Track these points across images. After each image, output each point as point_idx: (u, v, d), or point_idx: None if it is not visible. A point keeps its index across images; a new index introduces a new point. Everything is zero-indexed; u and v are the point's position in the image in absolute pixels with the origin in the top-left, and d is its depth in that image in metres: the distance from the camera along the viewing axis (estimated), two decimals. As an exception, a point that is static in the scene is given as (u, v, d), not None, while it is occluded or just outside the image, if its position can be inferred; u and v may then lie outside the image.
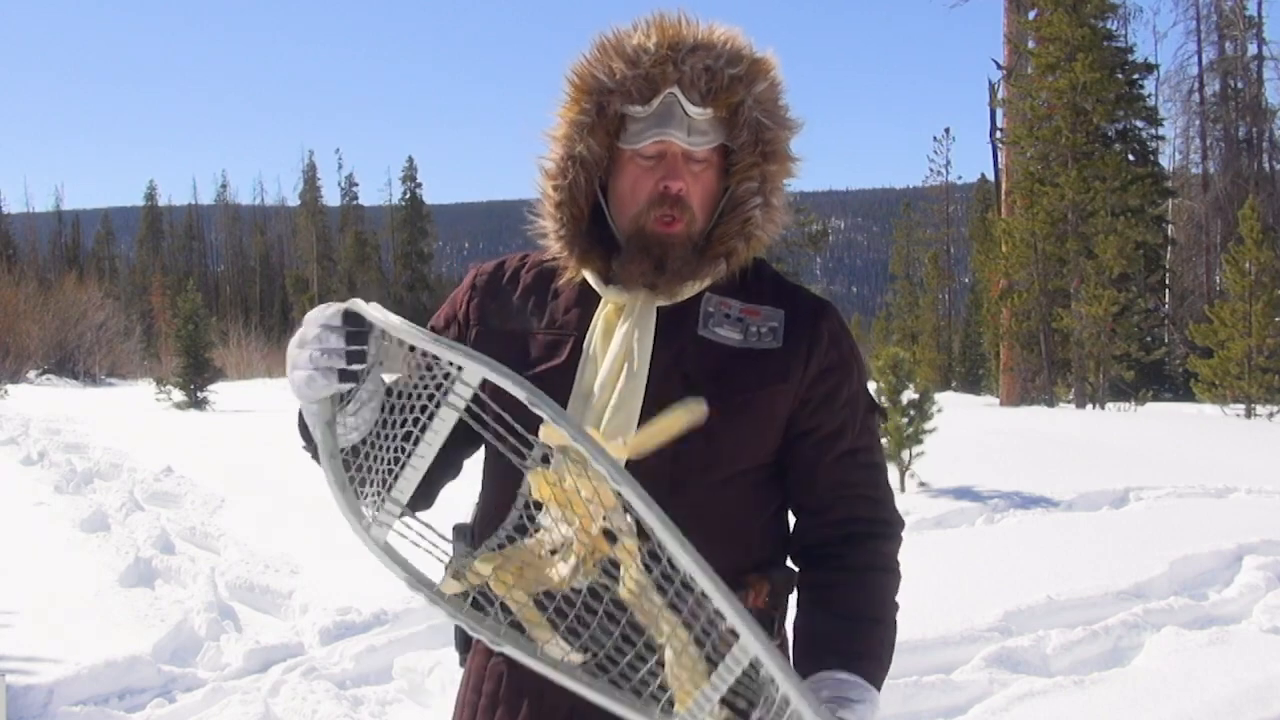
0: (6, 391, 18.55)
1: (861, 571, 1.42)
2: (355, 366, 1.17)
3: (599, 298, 1.43)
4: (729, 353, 1.40)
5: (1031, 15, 20.55)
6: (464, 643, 1.54)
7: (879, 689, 1.35)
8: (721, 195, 1.43)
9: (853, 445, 1.44)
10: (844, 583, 1.41)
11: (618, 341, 1.38)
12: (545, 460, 1.15)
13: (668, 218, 1.38)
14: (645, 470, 1.34)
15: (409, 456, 1.13)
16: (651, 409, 1.35)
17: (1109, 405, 17.51)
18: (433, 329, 1.53)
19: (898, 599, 1.44)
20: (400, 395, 1.15)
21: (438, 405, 1.10)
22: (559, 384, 1.39)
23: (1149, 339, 20.14)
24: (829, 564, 1.42)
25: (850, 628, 1.37)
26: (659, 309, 1.41)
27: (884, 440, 1.53)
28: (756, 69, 1.39)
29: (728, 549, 1.32)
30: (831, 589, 1.41)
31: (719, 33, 1.39)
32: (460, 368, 1.08)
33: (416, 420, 1.12)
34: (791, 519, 1.51)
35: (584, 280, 1.46)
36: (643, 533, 1.13)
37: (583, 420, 1.36)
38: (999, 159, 22.29)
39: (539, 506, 1.18)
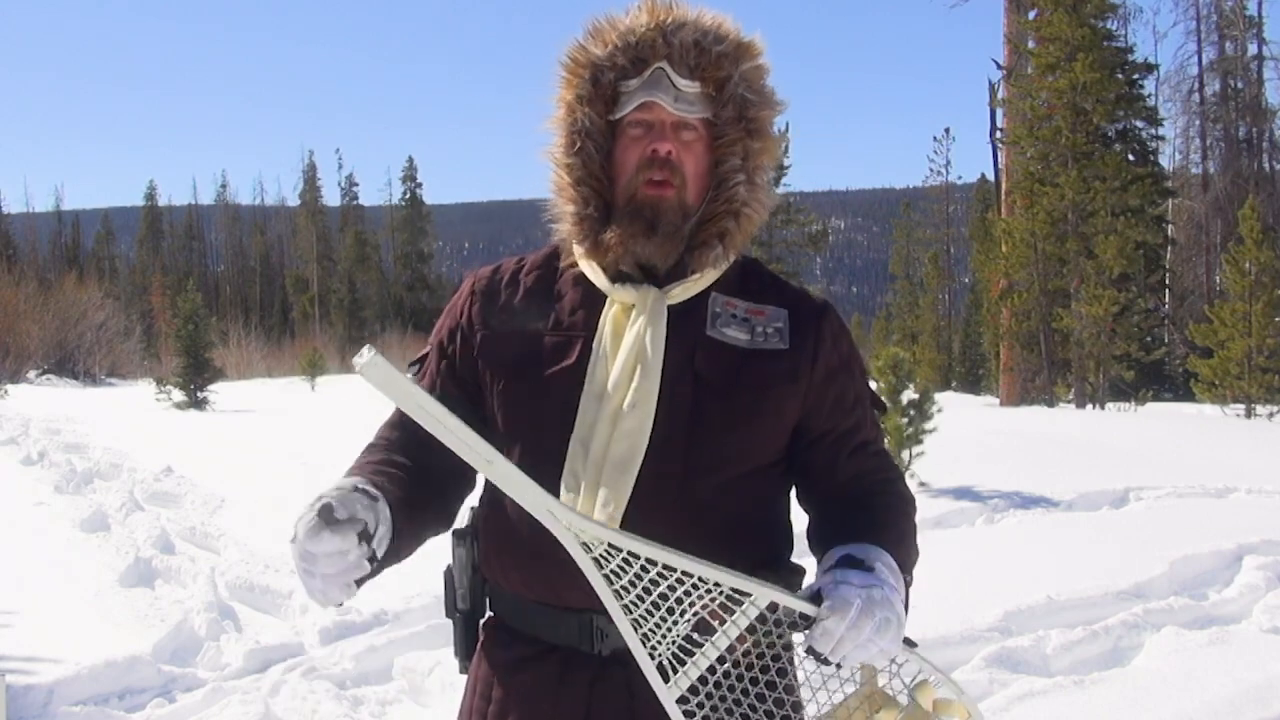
0: (6, 391, 18.54)
1: (877, 495, 1.44)
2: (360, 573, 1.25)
3: (604, 299, 1.44)
4: (738, 353, 1.42)
5: (1031, 15, 20.56)
6: (465, 649, 1.53)
7: (900, 566, 1.30)
8: (711, 175, 1.45)
9: (864, 438, 1.48)
10: (859, 500, 1.43)
11: (630, 341, 1.39)
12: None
13: (658, 179, 1.41)
14: (659, 471, 1.35)
15: None
16: (664, 408, 1.36)
17: (1109, 405, 17.52)
18: (440, 342, 1.54)
19: (915, 527, 1.44)
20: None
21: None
22: (570, 384, 1.39)
23: (1149, 339, 20.13)
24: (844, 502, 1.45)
25: (867, 518, 1.38)
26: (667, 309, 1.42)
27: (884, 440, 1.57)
28: (743, 49, 1.44)
29: (736, 546, 1.33)
30: (846, 507, 1.42)
31: (708, 15, 1.44)
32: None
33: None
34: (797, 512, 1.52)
35: (586, 281, 1.46)
36: None
37: (597, 419, 1.36)
38: (999, 159, 22.30)
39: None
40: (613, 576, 1.16)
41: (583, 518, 1.12)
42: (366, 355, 1.01)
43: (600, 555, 1.15)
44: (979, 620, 4.29)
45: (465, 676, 1.54)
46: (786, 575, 1.42)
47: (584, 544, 1.15)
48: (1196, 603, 4.81)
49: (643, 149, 1.41)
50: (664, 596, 1.16)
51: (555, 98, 1.47)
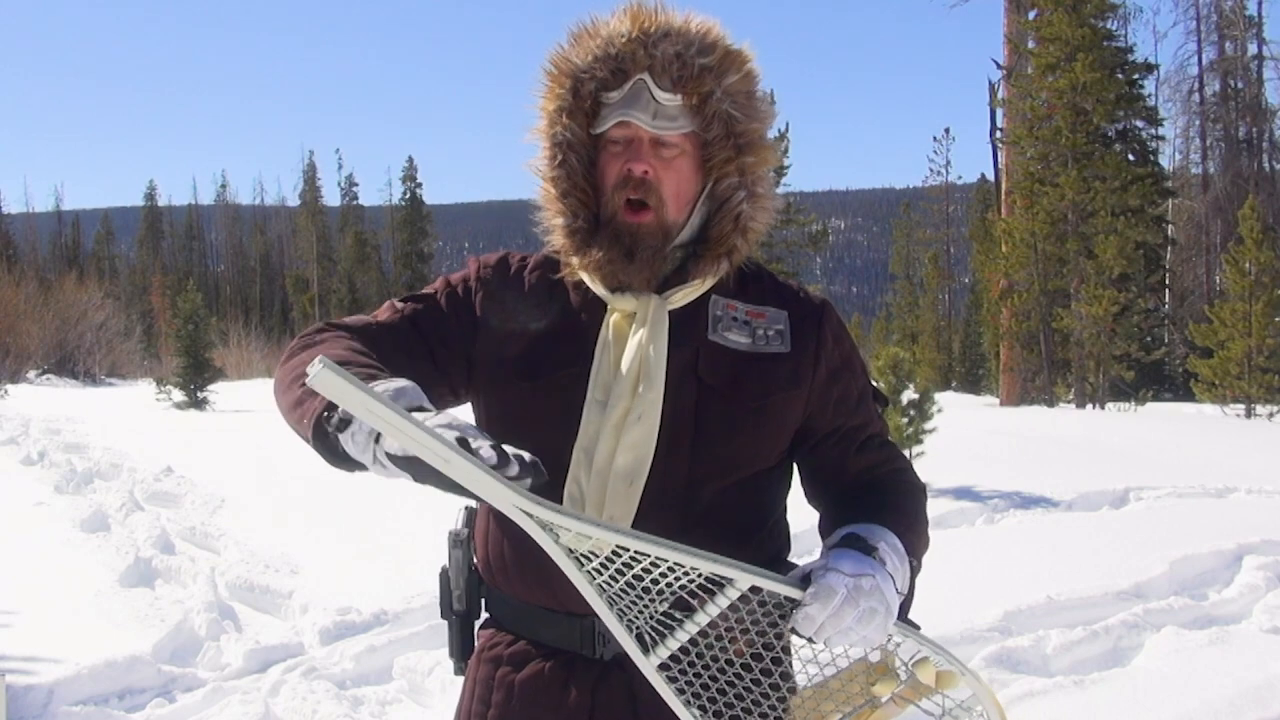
0: (6, 391, 18.54)
1: (888, 482, 1.45)
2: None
3: (605, 304, 1.42)
4: (740, 357, 1.40)
5: (1031, 15, 20.56)
6: (461, 651, 1.52)
7: (907, 550, 1.30)
8: (700, 189, 1.42)
9: (871, 433, 1.48)
10: (869, 486, 1.43)
11: (632, 350, 1.37)
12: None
13: (635, 204, 1.38)
14: (664, 475, 1.34)
15: None
16: (668, 414, 1.35)
17: (1109, 405, 17.51)
18: (450, 292, 1.48)
19: (926, 515, 1.46)
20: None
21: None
22: (572, 389, 1.38)
23: (1149, 339, 20.13)
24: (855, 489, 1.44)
25: (877, 501, 1.38)
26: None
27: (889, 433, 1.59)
28: (729, 60, 1.39)
29: (739, 548, 1.33)
30: (857, 493, 1.42)
31: (695, 22, 1.39)
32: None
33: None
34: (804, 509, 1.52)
35: (585, 287, 1.44)
36: None
37: (601, 428, 1.34)
38: (999, 159, 22.30)
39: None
40: (584, 559, 1.15)
41: (553, 509, 1.10)
42: (316, 367, 0.98)
43: (570, 540, 1.14)
44: (979, 620, 4.28)
45: (462, 678, 1.53)
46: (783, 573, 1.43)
47: (554, 534, 1.13)
48: (1196, 603, 4.80)
49: (620, 166, 1.39)
50: (638, 578, 1.15)
51: (538, 106, 1.43)
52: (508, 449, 1.04)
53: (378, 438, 1.07)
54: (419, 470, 1.03)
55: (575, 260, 1.43)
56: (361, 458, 1.10)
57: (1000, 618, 4.33)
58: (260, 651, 4.12)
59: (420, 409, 1.10)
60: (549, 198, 1.43)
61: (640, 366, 1.36)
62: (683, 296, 1.41)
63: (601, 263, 1.38)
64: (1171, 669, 3.96)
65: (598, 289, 1.42)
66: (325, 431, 1.14)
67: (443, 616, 1.53)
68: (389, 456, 1.05)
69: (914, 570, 1.33)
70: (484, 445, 1.03)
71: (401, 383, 1.15)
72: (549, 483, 1.34)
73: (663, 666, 1.22)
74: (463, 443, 1.02)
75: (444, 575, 1.52)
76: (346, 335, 1.35)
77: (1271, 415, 15.28)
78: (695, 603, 1.19)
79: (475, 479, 1.03)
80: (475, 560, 1.51)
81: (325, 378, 0.97)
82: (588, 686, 1.38)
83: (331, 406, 1.13)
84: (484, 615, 1.53)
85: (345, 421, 1.11)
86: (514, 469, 1.03)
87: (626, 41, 1.37)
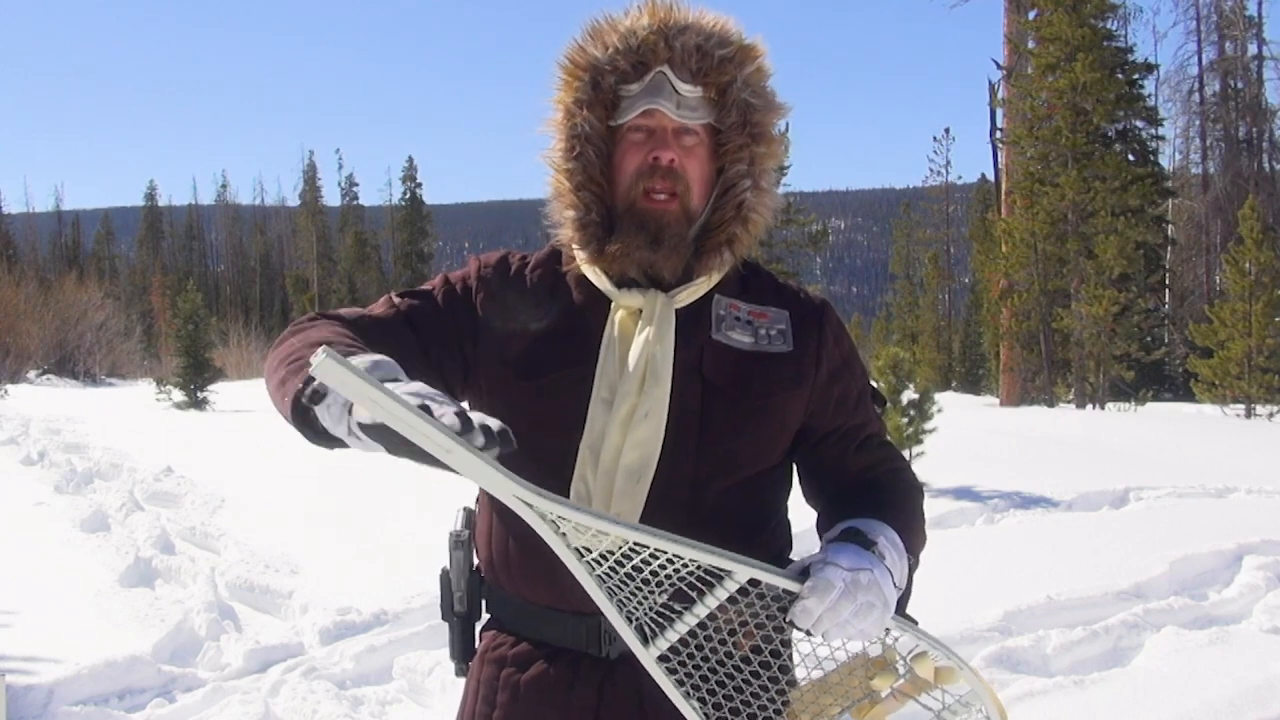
0: (6, 391, 18.53)
1: (886, 480, 1.45)
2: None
3: (609, 301, 1.42)
4: (744, 356, 1.41)
5: (1031, 15, 20.55)
6: (462, 652, 1.51)
7: (906, 546, 1.31)
8: (714, 179, 1.43)
9: (870, 432, 1.48)
10: (868, 484, 1.43)
11: (639, 347, 1.37)
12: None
13: (661, 193, 1.38)
14: (669, 474, 1.34)
15: None
16: (674, 413, 1.36)
17: (1109, 405, 17.51)
18: (448, 290, 1.47)
19: (923, 513, 1.45)
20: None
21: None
22: (575, 388, 1.38)
23: (1149, 339, 20.13)
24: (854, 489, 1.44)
25: (876, 498, 1.38)
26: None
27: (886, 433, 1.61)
28: (745, 53, 1.41)
29: (743, 547, 1.33)
30: (856, 491, 1.42)
31: (709, 17, 1.41)
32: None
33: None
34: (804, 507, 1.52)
35: (589, 283, 1.44)
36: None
37: (607, 426, 1.34)
38: (999, 159, 22.30)
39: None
40: (583, 550, 1.15)
41: (552, 499, 1.09)
42: (320, 356, 0.96)
43: (569, 531, 1.14)
44: (979, 620, 4.28)
45: (463, 679, 1.52)
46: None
47: (552, 523, 1.12)
48: (1196, 603, 4.80)
49: (644, 156, 1.39)
50: (637, 569, 1.15)
51: (553, 100, 1.43)
52: (473, 416, 1.00)
53: (351, 409, 1.05)
54: (391, 441, 1.00)
55: (585, 254, 1.42)
56: (336, 430, 1.08)
57: (1000, 618, 4.33)
58: (260, 651, 4.12)
59: (394, 380, 1.08)
60: (562, 190, 1.43)
61: (647, 364, 1.36)
62: (687, 295, 1.42)
63: (626, 250, 1.38)
64: (1171, 669, 3.96)
65: (603, 285, 1.42)
66: (303, 406, 1.13)
67: (444, 618, 1.52)
68: (361, 427, 1.03)
69: (912, 567, 1.34)
70: (447, 412, 0.99)
71: (377, 355, 1.13)
72: (555, 483, 1.34)
73: (662, 658, 1.22)
74: (424, 409, 0.98)
75: (444, 577, 1.51)
76: (338, 323, 1.35)
77: (1271, 415, 15.28)
78: (694, 595, 1.19)
79: (443, 446, 0.99)
80: (476, 561, 1.51)
81: (325, 366, 0.95)
82: (594, 686, 1.38)
83: (308, 381, 1.12)
84: (485, 616, 1.52)
85: (319, 394, 1.09)
86: (479, 438, 0.99)
87: (648, 34, 1.38)
